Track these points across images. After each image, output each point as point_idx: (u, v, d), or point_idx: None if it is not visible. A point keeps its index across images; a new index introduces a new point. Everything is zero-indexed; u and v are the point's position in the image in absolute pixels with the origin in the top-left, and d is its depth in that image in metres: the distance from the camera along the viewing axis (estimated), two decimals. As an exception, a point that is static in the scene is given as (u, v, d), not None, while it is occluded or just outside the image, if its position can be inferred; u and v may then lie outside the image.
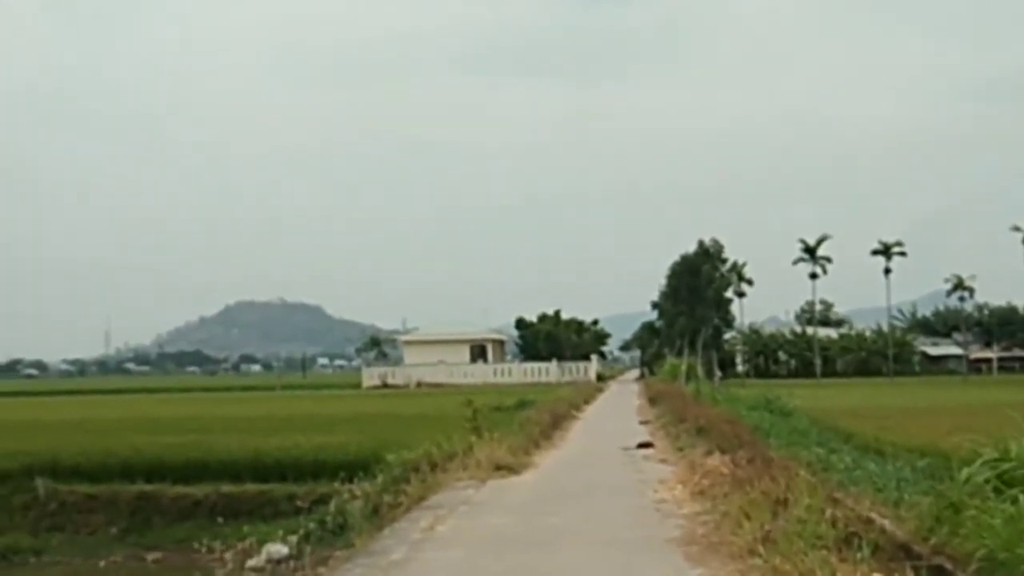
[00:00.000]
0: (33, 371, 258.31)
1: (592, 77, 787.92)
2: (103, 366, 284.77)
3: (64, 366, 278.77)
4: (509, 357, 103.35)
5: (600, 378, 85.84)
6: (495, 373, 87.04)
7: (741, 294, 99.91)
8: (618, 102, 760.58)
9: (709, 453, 17.72)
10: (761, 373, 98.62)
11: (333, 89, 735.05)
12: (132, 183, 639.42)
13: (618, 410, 39.85)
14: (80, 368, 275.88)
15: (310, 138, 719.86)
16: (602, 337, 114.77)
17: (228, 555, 18.19)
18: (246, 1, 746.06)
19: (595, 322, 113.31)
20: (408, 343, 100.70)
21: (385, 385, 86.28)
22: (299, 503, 24.98)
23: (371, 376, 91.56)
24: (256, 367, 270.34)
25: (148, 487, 26.79)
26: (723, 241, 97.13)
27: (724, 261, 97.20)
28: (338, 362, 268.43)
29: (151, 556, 25.19)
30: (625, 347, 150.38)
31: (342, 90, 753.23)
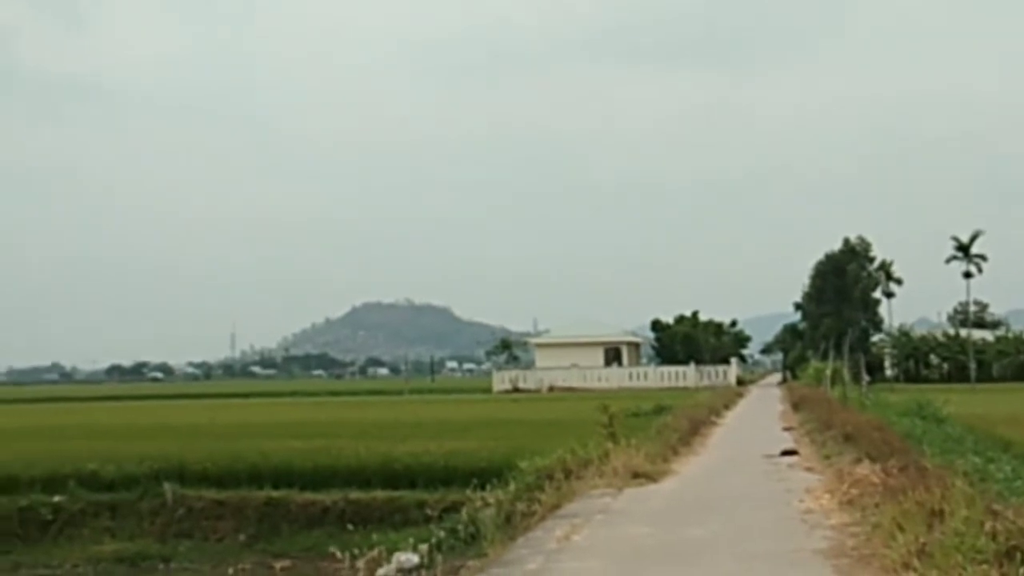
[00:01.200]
0: (159, 374, 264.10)
1: (729, 67, 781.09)
2: (228, 369, 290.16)
3: (190, 369, 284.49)
4: (645, 360, 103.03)
5: (740, 382, 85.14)
6: (630, 377, 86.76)
7: (890, 294, 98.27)
8: (756, 94, 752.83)
9: (858, 461, 17.45)
10: (911, 377, 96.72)
11: (460, 86, 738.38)
12: (258, 187, 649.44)
13: (760, 416, 39.48)
14: (206, 371, 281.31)
15: (437, 136, 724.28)
16: (742, 340, 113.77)
17: (360, 563, 18.40)
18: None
19: (734, 324, 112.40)
20: (540, 346, 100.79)
21: (516, 389, 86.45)
22: (429, 511, 25.21)
23: (502, 380, 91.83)
24: (383, 370, 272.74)
25: (276, 493, 27.26)
26: (870, 239, 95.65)
27: (871, 260, 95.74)
28: (467, 365, 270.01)
29: (279, 564, 25.61)
30: (766, 350, 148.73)
31: (470, 86, 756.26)
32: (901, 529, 9.93)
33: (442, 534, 21.01)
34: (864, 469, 15.81)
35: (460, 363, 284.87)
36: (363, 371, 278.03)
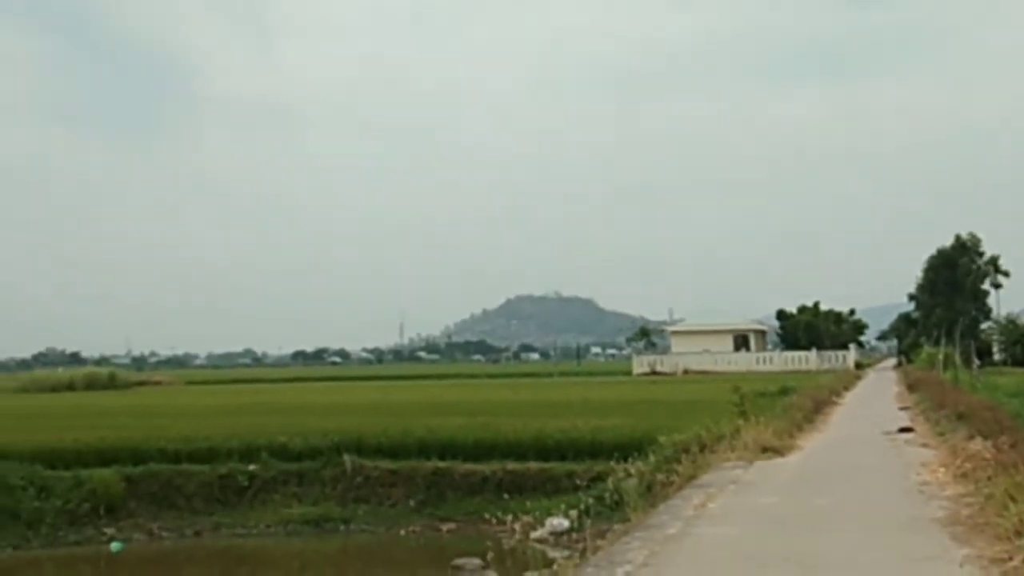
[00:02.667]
0: (337, 359, 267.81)
1: (849, 76, 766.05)
2: (398, 354, 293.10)
3: (364, 354, 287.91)
4: (770, 347, 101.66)
5: (858, 366, 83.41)
6: (757, 361, 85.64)
7: (997, 285, 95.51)
8: (876, 100, 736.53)
9: (970, 438, 17.02)
10: (1018, 362, 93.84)
11: (601, 96, 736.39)
12: (423, 187, 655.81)
13: (877, 396, 38.70)
14: (378, 356, 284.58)
15: (581, 144, 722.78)
16: (860, 327, 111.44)
17: (517, 526, 18.54)
18: (519, 13, 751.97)
19: (852, 312, 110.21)
20: (675, 333, 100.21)
21: (654, 372, 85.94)
22: (578, 480, 25.28)
23: (641, 364, 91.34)
24: (534, 355, 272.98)
25: (442, 464, 27.53)
26: (980, 235, 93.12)
27: (981, 255, 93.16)
28: (610, 351, 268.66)
29: (445, 526, 25.89)
30: (882, 337, 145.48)
31: (610, 98, 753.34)
32: (1013, 500, 9.67)
33: (590, 501, 21.07)
34: (976, 445, 15.44)
35: (603, 349, 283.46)
36: (516, 356, 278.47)
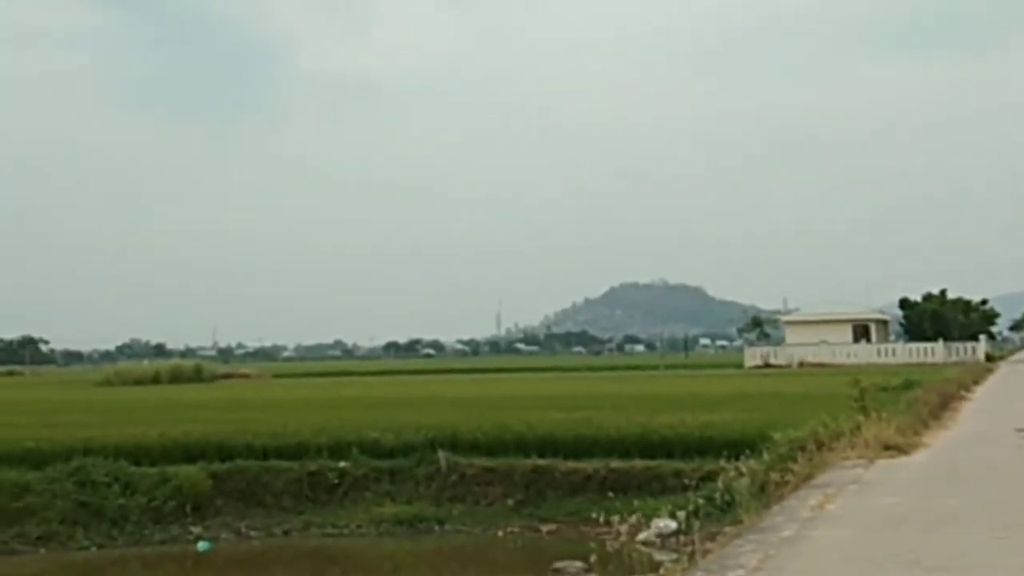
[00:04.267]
0: (431, 351, 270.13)
1: (981, 49, 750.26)
2: (494, 346, 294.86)
3: (459, 346, 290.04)
4: (892, 337, 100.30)
5: (989, 358, 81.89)
6: (879, 353, 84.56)
7: None
8: (1007, 75, 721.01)
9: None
10: None
11: (705, 72, 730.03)
12: (521, 170, 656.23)
13: (1010, 391, 37.98)
14: (474, 348, 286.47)
15: (686, 124, 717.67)
16: (991, 317, 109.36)
17: (622, 528, 18.51)
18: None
19: (984, 302, 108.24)
20: (790, 323, 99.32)
21: (767, 365, 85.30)
22: (686, 480, 25.14)
23: (753, 356, 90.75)
24: (639, 347, 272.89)
25: (541, 461, 27.56)
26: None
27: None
28: (719, 342, 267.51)
29: (545, 527, 25.93)
30: (1015, 327, 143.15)
31: (717, 72, 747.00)
32: None
33: (699, 501, 20.92)
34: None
35: (713, 340, 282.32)
36: (620, 348, 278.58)
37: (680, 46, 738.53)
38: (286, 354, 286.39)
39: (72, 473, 26.72)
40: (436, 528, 26.52)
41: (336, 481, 27.87)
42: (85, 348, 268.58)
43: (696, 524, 15.06)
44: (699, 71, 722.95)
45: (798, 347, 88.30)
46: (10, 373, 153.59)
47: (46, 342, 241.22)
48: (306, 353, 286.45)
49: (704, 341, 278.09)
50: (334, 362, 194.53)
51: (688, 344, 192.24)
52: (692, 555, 10.83)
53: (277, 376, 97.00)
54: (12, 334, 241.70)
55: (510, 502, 27.07)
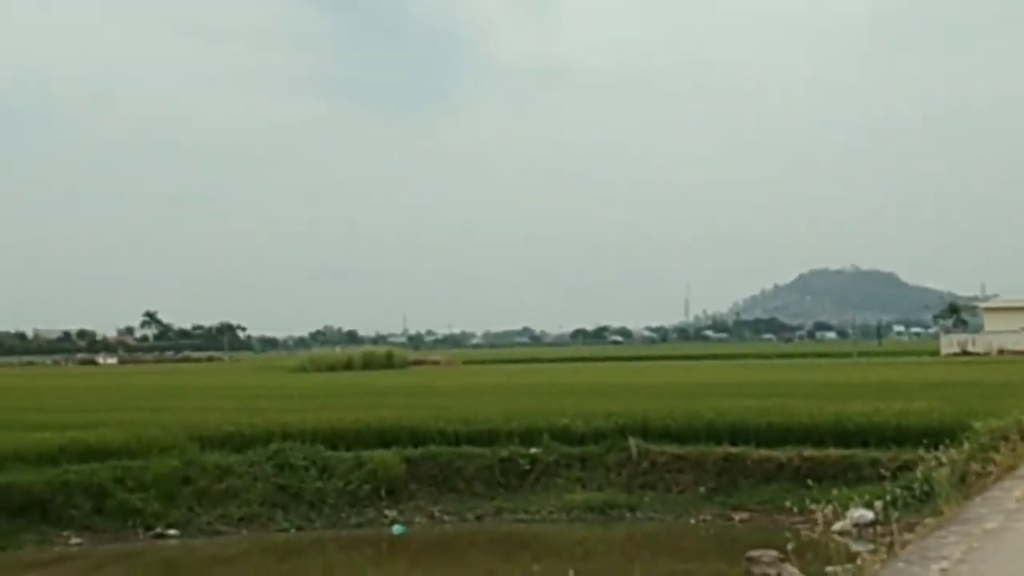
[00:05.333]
0: (618, 338, 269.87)
1: None
2: (682, 333, 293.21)
3: (646, 333, 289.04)
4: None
5: None
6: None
7: None
8: None
9: None
10: None
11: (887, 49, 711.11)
12: (707, 153, 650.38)
13: None
14: (661, 335, 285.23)
15: (872, 100, 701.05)
16: None
17: (818, 517, 18.29)
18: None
19: None
20: (989, 310, 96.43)
21: (964, 352, 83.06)
22: (883, 469, 24.64)
23: (950, 343, 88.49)
24: (830, 334, 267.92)
25: (733, 449, 27.37)
26: None
27: None
28: (913, 329, 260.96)
29: (738, 516, 25.76)
30: None
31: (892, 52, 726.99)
32: None
33: (897, 491, 20.53)
34: None
35: (906, 327, 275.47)
36: (811, 335, 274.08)
37: (859, 23, 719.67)
38: (474, 341, 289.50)
39: (271, 456, 27.58)
40: (627, 515, 26.56)
41: (527, 467, 28.12)
42: (280, 335, 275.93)
43: (894, 514, 14.79)
44: (888, 49, 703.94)
45: (998, 334, 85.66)
46: (209, 359, 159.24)
47: (243, 329, 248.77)
48: (494, 340, 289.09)
49: (898, 328, 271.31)
50: (522, 349, 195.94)
51: (881, 331, 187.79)
52: (890, 546, 10.67)
53: (466, 363, 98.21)
54: (211, 321, 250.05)
55: (702, 490, 26.96)
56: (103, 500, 25.25)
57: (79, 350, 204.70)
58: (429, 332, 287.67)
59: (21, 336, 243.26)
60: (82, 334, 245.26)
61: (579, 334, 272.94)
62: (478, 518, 26.80)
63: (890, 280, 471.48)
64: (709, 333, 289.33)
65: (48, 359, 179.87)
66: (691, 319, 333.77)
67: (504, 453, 28.30)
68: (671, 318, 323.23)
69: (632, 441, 28.18)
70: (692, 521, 25.93)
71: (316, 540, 25.30)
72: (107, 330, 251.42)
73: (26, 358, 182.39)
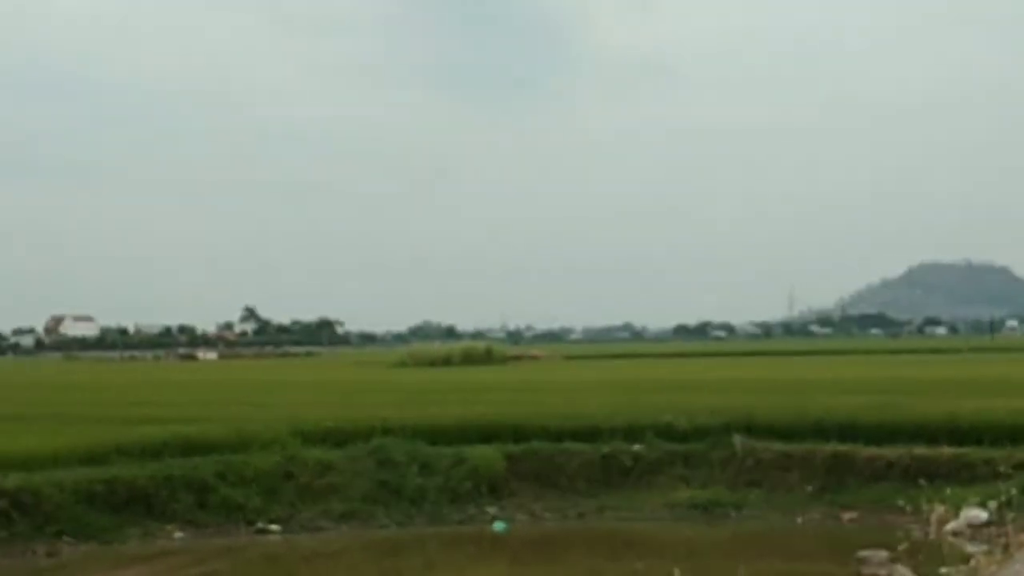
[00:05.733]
0: (721, 333, 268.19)
1: None
2: (787, 328, 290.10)
3: (750, 328, 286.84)
4: None
5: None
6: None
7: None
8: None
9: None
10: None
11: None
12: (808, 146, 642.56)
13: None
14: (765, 330, 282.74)
15: (983, 86, 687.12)
16: None
17: (932, 517, 18.04)
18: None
19: None
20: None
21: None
22: (998, 468, 24.22)
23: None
24: (940, 329, 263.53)
25: (841, 447, 27.06)
26: None
27: None
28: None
29: (846, 515, 25.47)
30: None
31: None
32: None
33: (1013, 491, 20.17)
34: None
35: (1020, 322, 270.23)
36: (920, 330, 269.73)
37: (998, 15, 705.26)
38: (574, 336, 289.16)
39: (372, 452, 27.77)
40: (732, 513, 26.35)
41: (630, 464, 28.01)
42: (379, 330, 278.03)
43: (1009, 515, 14.56)
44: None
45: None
46: (308, 354, 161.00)
47: (341, 324, 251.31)
48: (594, 335, 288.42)
49: (1011, 323, 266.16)
50: (622, 344, 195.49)
51: (994, 327, 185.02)
52: (1006, 547, 10.50)
53: (567, 358, 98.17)
54: (310, 317, 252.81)
55: (809, 488, 26.66)
56: (206, 495, 25.59)
57: (179, 345, 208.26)
58: (528, 327, 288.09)
59: (123, 331, 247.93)
60: (182, 329, 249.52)
61: (681, 329, 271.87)
62: (580, 516, 26.76)
63: (1004, 275, 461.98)
64: (814, 328, 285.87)
65: (149, 354, 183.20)
66: (796, 314, 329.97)
67: (607, 450, 28.23)
68: (775, 313, 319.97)
69: (737, 438, 27.99)
70: (799, 520, 25.67)
71: (417, 537, 25.44)
72: (207, 325, 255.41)
73: (127, 353, 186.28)
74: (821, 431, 27.82)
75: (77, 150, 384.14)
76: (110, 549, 23.59)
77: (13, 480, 23.80)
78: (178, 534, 24.63)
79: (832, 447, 27.15)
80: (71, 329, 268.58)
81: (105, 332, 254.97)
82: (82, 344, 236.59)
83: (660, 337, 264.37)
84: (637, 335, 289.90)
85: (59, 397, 44.75)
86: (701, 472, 27.87)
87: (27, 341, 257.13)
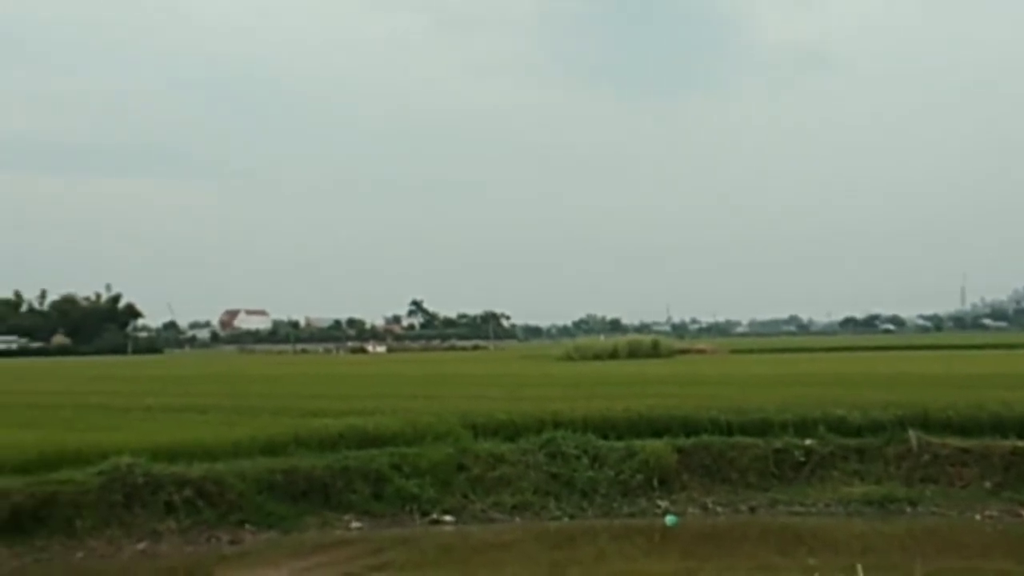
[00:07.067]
0: (890, 326, 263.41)
1: None
2: (959, 321, 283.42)
3: (920, 321, 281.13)
4: None
5: None
6: None
7: None
8: None
9: None
10: None
11: None
12: (984, 140, 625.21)
13: None
14: (936, 323, 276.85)
15: None
16: None
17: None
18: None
19: None
20: None
21: None
22: None
23: None
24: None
25: (1021, 443, 26.46)
26: None
27: None
28: None
29: (1027, 512, 24.88)
30: None
31: None
32: None
33: None
34: None
35: None
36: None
37: None
38: (739, 329, 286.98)
39: (543, 445, 28.00)
40: (907, 510, 25.91)
41: (802, 459, 27.76)
42: (543, 323, 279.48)
43: None
44: None
45: None
46: (475, 347, 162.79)
47: (507, 317, 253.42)
48: (760, 328, 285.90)
49: None
50: (789, 338, 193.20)
51: None
52: None
53: (733, 351, 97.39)
54: (476, 310, 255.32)
55: (987, 484, 26.11)
56: (381, 485, 26.09)
57: (348, 338, 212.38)
58: (693, 320, 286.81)
59: (294, 324, 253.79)
60: (351, 322, 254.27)
61: (849, 323, 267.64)
62: (751, 510, 26.57)
63: None
64: (987, 321, 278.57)
65: (320, 347, 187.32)
66: (968, 307, 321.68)
67: (778, 444, 28.02)
68: (946, 306, 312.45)
69: (912, 433, 27.53)
70: (977, 517, 25.13)
71: (588, 529, 25.52)
72: (375, 318, 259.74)
73: (299, 346, 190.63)
74: (1000, 426, 27.30)
75: (240, 153, 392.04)
76: (290, 538, 24.18)
77: (197, 470, 24.61)
78: (355, 524, 25.13)
79: (1012, 443, 26.59)
80: (245, 323, 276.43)
81: (277, 325, 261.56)
82: (255, 337, 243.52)
83: (827, 330, 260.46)
84: (803, 328, 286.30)
85: (236, 389, 46.06)
86: (875, 467, 27.47)
87: (203, 334, 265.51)
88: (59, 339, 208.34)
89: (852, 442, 28.01)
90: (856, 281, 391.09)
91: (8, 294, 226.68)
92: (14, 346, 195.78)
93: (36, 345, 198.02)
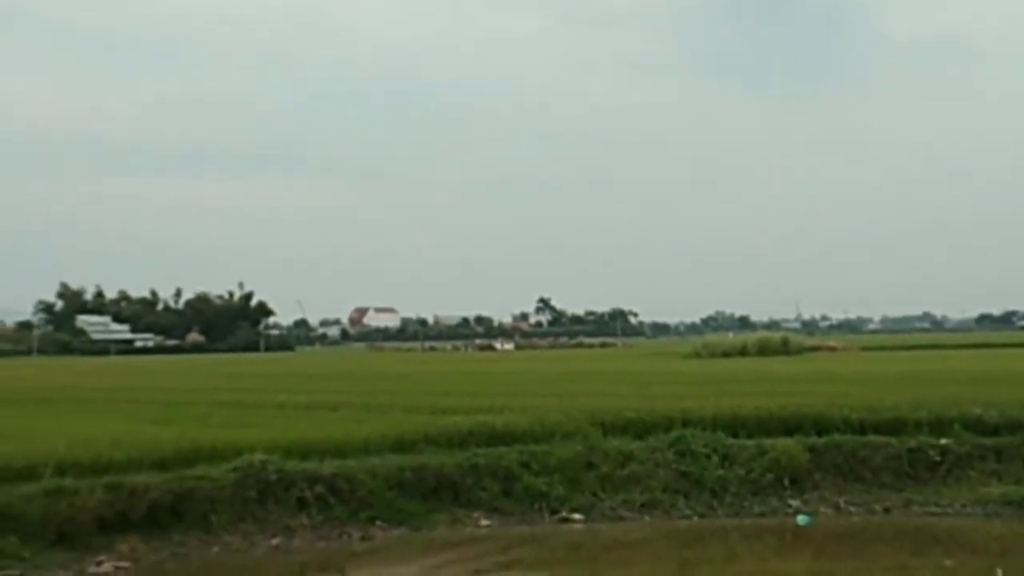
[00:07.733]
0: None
1: None
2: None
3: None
4: None
5: None
6: None
7: None
8: None
9: None
10: None
11: None
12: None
13: None
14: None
15: None
16: None
17: None
18: None
19: None
20: None
21: None
22: None
23: None
24: None
25: None
26: None
27: None
28: None
29: None
30: None
31: None
32: None
33: None
34: None
35: None
36: None
37: None
38: (871, 326, 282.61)
39: (672, 443, 27.80)
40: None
41: (937, 459, 27.24)
42: (671, 320, 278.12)
43: None
44: None
45: None
46: (603, 344, 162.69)
47: (635, 314, 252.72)
48: (892, 325, 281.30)
49: None
50: (922, 335, 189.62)
51: None
52: None
53: (864, 349, 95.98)
54: (603, 307, 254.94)
55: None
56: (510, 483, 26.10)
57: (476, 335, 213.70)
58: (823, 317, 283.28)
59: (422, 322, 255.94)
60: (479, 320, 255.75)
61: (984, 319, 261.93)
62: (886, 510, 26.12)
63: None
64: None
65: (448, 344, 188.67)
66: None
67: (912, 443, 27.54)
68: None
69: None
70: None
71: (718, 528, 25.31)
72: (503, 316, 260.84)
73: (427, 343, 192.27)
74: None
75: (370, 153, 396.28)
76: (419, 535, 24.32)
77: (329, 466, 24.87)
78: (484, 521, 25.20)
79: None
80: (374, 320, 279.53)
81: (406, 323, 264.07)
82: (384, 335, 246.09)
83: (962, 326, 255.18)
84: (937, 325, 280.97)
85: (366, 386, 46.51)
86: (1015, 467, 26.90)
87: (333, 332, 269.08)
88: (193, 337, 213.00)
89: (989, 441, 27.46)
90: (993, 276, 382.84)
91: (144, 293, 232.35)
92: (150, 344, 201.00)
93: (171, 343, 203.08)
